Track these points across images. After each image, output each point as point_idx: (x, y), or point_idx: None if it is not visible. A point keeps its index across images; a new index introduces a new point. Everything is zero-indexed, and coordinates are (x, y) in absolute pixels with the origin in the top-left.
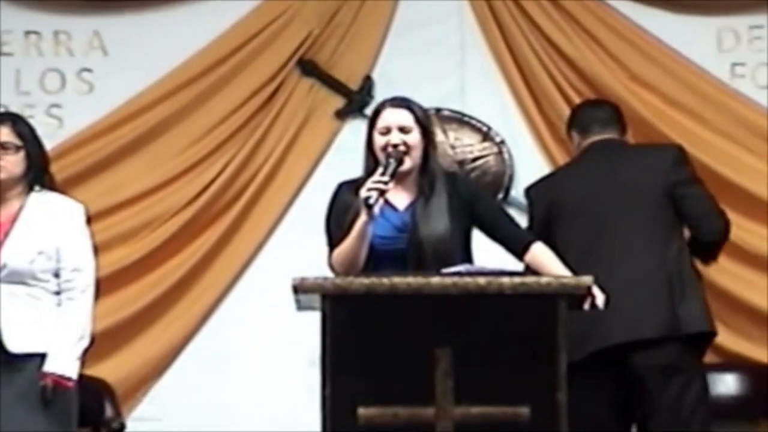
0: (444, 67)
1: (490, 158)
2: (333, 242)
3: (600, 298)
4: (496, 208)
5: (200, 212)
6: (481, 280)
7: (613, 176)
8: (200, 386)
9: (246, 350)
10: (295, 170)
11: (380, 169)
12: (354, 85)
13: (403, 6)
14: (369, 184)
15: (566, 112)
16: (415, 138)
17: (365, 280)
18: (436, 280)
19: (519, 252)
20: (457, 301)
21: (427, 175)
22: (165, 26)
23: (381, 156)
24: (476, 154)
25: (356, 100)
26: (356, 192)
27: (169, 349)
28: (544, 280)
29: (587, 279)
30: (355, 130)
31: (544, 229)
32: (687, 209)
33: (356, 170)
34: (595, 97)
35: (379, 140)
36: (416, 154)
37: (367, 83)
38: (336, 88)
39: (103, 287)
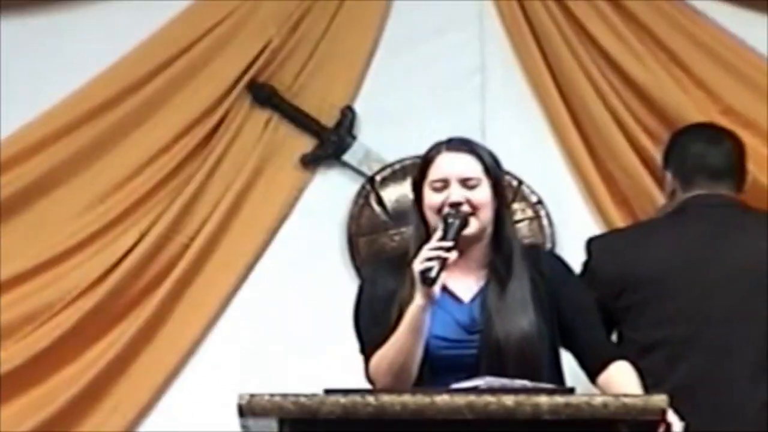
0: (457, 95)
1: (523, 225)
2: (369, 346)
3: (677, 427)
4: (586, 301)
5: (107, 300)
6: (508, 400)
7: (723, 253)
8: None
9: None
10: (245, 239)
11: (438, 233)
12: (328, 119)
13: (399, 8)
14: (425, 252)
15: (632, 161)
16: (484, 195)
17: (342, 399)
18: (443, 399)
19: (593, 368)
20: (474, 431)
21: (501, 249)
22: (61, 34)
23: (435, 220)
24: None
25: (331, 141)
26: (398, 272)
27: None
28: (598, 399)
29: (659, 399)
30: (329, 184)
31: (602, 309)
32: None
33: (330, 239)
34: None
35: (433, 198)
36: (485, 217)
37: (347, 118)
38: (303, 123)
39: None
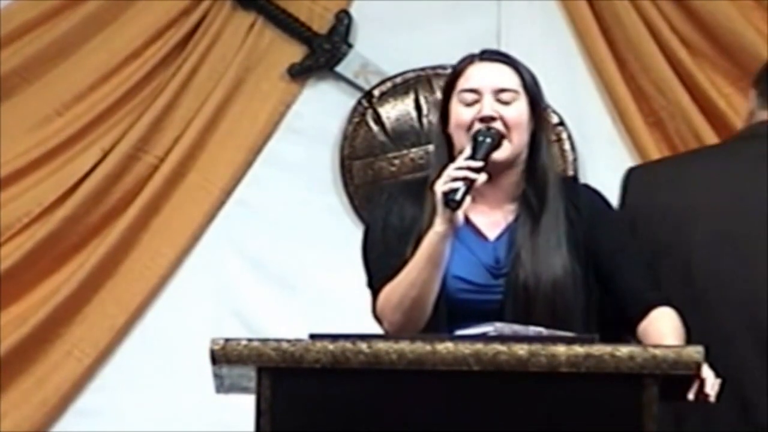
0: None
1: None
2: (380, 277)
3: (711, 383)
4: (627, 240)
5: (64, 227)
6: (521, 350)
7: (757, 186)
8: None
9: None
10: (223, 160)
11: (467, 151)
12: (320, 25)
13: None
14: (450, 171)
15: (667, 75)
16: (520, 112)
17: (330, 346)
18: (445, 347)
19: (634, 316)
20: (481, 384)
21: (535, 179)
22: None
23: (462, 139)
24: None
25: (324, 50)
26: (417, 199)
27: None
28: (623, 350)
29: (694, 351)
30: (320, 98)
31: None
32: None
33: (320, 162)
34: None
35: (461, 113)
36: (520, 140)
37: (342, 23)
38: (292, 28)
39: None
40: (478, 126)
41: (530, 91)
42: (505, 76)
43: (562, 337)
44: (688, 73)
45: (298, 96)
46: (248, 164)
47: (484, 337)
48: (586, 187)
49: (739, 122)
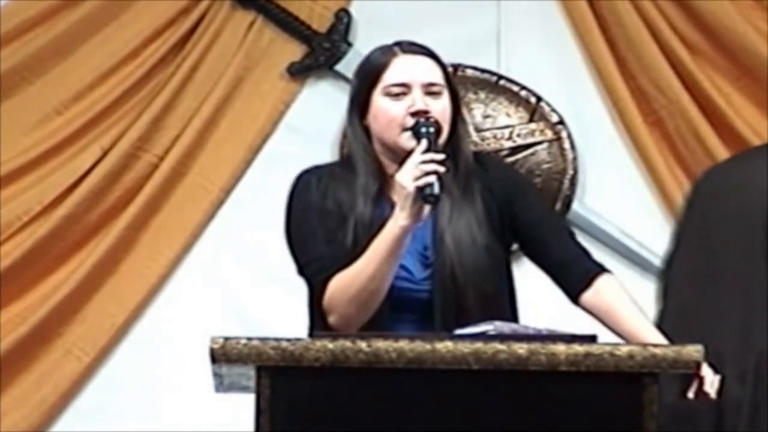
0: None
1: (541, 148)
2: (323, 266)
3: (711, 381)
4: (549, 210)
5: (63, 226)
6: (521, 349)
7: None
8: None
9: None
10: (222, 158)
11: (422, 144)
12: (320, 23)
13: None
14: (419, 165)
15: (667, 75)
16: (445, 104)
17: (330, 344)
18: (445, 346)
19: (576, 286)
20: (479, 382)
21: (457, 167)
22: None
23: (391, 131)
24: (519, 141)
25: (323, 49)
26: (349, 185)
27: None
28: (623, 349)
29: (694, 350)
30: (319, 97)
31: None
32: None
33: (319, 160)
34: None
35: (390, 107)
36: (447, 130)
37: (342, 22)
38: (291, 27)
39: None
40: (412, 119)
41: (451, 82)
42: (432, 70)
43: (562, 336)
44: (688, 73)
45: (298, 95)
46: (248, 163)
47: (483, 336)
48: (496, 160)
49: (738, 121)
